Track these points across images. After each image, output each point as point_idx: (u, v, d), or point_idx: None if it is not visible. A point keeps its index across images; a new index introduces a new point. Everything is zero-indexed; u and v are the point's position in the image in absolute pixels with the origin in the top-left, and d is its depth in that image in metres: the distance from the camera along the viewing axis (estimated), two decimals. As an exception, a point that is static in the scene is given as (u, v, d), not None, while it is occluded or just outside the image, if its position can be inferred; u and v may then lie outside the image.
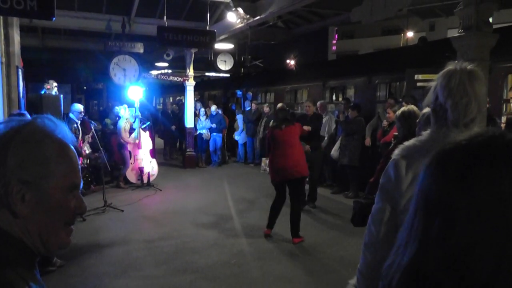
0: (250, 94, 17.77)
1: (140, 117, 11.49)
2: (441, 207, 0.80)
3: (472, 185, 0.77)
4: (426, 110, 4.86)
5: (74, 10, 15.21)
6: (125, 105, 11.60)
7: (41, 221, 1.08)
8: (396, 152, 2.10)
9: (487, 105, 6.39)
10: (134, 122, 11.30)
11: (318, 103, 11.27)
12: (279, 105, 8.11)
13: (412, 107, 4.79)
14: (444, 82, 1.93)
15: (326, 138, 11.14)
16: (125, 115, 11.26)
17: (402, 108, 4.84)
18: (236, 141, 16.22)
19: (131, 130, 11.30)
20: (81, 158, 9.00)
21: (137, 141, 11.23)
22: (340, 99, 13.35)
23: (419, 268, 0.81)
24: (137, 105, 11.53)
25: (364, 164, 9.96)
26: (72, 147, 1.16)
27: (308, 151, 8.33)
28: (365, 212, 3.72)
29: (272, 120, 8.07)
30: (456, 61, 2.00)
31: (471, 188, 0.77)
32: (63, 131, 1.15)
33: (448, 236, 0.78)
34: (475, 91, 1.89)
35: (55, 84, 9.83)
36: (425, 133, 2.07)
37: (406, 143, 2.10)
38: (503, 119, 8.05)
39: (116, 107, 11.93)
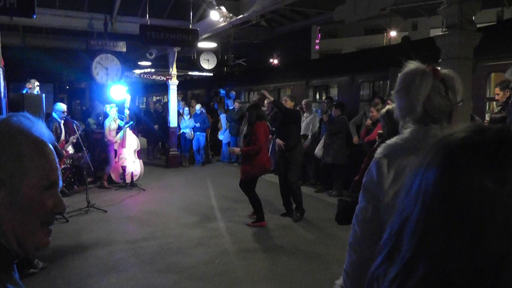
0: (233, 93, 17.75)
1: (128, 115, 11.44)
2: (469, 213, 0.73)
3: (507, 183, 0.72)
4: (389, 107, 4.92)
5: (56, 8, 15.04)
6: (113, 104, 11.54)
7: (16, 220, 1.05)
8: (379, 151, 2.12)
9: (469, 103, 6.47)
10: (122, 120, 11.26)
11: (303, 102, 11.32)
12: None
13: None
14: (398, 83, 2.05)
15: (309, 137, 11.19)
16: (112, 114, 11.20)
17: (387, 107, 4.87)
18: (220, 140, 16.20)
19: (118, 129, 11.25)
20: (63, 159, 8.92)
21: (120, 141, 11.18)
22: (324, 98, 13.41)
23: (441, 280, 0.74)
24: (127, 104, 11.49)
25: (348, 163, 10.02)
26: (49, 145, 1.13)
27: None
28: (349, 210, 3.74)
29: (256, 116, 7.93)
30: (410, 62, 2.07)
31: (506, 187, 0.72)
32: (40, 128, 1.12)
33: (479, 243, 0.72)
34: (418, 92, 1.96)
35: (37, 83, 9.73)
36: (407, 131, 2.09)
37: (388, 142, 2.12)
38: (487, 117, 8.13)
39: (107, 105, 11.84)
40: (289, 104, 8.81)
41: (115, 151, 11.24)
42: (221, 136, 15.89)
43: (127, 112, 11.45)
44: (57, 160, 1.15)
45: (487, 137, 0.77)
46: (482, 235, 0.71)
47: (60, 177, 1.15)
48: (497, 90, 6.66)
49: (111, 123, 11.09)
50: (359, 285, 2.12)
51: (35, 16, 7.87)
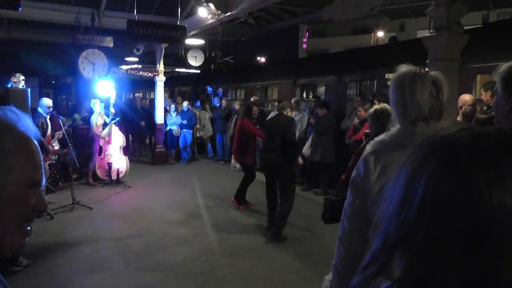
0: (220, 90, 17.72)
1: (113, 112, 11.37)
2: (491, 233, 0.66)
3: None
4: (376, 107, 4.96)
5: (42, 1, 14.92)
6: (98, 100, 11.45)
7: None
8: (367, 148, 2.21)
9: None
10: (108, 116, 11.20)
11: (292, 101, 11.32)
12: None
13: (385, 105, 4.84)
14: (394, 85, 2.13)
15: (297, 135, 11.20)
16: (98, 110, 11.12)
17: (375, 106, 4.90)
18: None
19: (104, 125, 11.17)
20: (49, 154, 8.84)
21: (107, 138, 11.11)
22: (311, 96, 13.44)
23: None
24: (112, 100, 11.41)
25: (335, 161, 10.05)
26: (35, 141, 1.10)
27: None
28: (335, 209, 3.77)
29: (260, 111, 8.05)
30: (405, 65, 2.13)
31: None
32: (26, 124, 1.09)
33: (501, 266, 0.66)
34: (414, 93, 2.03)
35: (22, 77, 9.63)
36: (394, 129, 2.17)
37: (376, 139, 2.21)
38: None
39: (92, 100, 11.75)
40: (289, 112, 8.58)
41: (100, 147, 11.15)
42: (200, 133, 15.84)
43: (112, 110, 11.36)
44: (41, 158, 1.12)
45: (492, 143, 0.72)
46: (504, 257, 0.66)
47: (44, 176, 1.12)
48: (482, 90, 6.74)
49: (98, 119, 11.02)
50: (348, 279, 2.15)
51: (20, 9, 7.77)
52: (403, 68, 2.10)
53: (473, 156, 0.71)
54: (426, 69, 2.11)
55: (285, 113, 7.61)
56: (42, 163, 1.12)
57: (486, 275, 0.67)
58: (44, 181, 1.12)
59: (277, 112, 7.95)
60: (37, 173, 1.08)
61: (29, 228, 1.10)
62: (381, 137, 2.18)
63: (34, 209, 1.08)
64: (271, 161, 7.42)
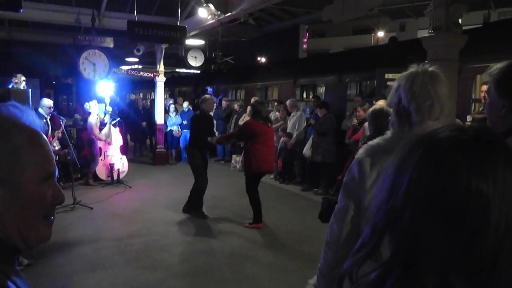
0: (211, 89, 17.67)
1: (111, 112, 11.38)
2: (467, 215, 0.74)
3: (501, 178, 0.75)
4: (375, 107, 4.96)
5: (43, 2, 14.93)
6: (95, 101, 11.46)
7: (18, 216, 1.03)
8: (360, 151, 2.13)
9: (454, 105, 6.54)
10: (104, 117, 11.20)
11: (287, 102, 11.33)
12: (257, 99, 8.28)
13: (383, 105, 4.87)
14: (408, 85, 1.97)
15: (294, 135, 11.24)
16: (95, 111, 11.14)
17: (374, 106, 4.93)
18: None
19: (102, 125, 11.19)
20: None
21: (107, 139, 11.13)
22: (311, 97, 13.46)
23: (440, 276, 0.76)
24: (107, 100, 11.40)
25: (335, 162, 10.07)
26: (43, 134, 1.10)
27: None
28: (333, 208, 3.78)
29: (254, 113, 7.89)
30: (417, 64, 2.04)
31: (499, 182, 0.75)
32: (31, 117, 1.09)
33: (476, 243, 0.74)
34: (438, 93, 1.94)
35: (23, 78, 9.66)
36: (389, 132, 2.11)
37: (370, 142, 2.13)
38: (469, 117, 8.23)
39: (86, 103, 11.77)
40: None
41: (100, 148, 11.17)
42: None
43: (109, 108, 11.36)
44: (51, 149, 1.12)
45: (471, 135, 0.80)
46: (479, 235, 0.74)
47: (56, 166, 1.13)
48: (482, 89, 6.76)
49: (96, 120, 11.03)
50: (333, 285, 2.14)
51: (21, 10, 7.79)
52: (411, 68, 2.02)
53: (453, 146, 0.79)
54: (435, 68, 2.02)
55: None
56: (53, 155, 1.12)
57: (463, 251, 0.75)
58: (57, 172, 1.13)
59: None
60: (50, 164, 1.09)
61: (52, 218, 1.12)
62: (376, 141, 2.10)
63: (53, 202, 1.09)
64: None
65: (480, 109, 7.13)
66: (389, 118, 2.59)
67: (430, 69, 1.99)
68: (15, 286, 1.03)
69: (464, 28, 6.90)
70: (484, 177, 0.75)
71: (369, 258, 0.87)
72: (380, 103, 5.63)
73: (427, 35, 6.74)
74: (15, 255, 1.09)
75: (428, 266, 0.77)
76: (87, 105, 11.68)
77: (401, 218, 0.81)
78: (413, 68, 2.01)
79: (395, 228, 0.82)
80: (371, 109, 4.93)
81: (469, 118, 8.07)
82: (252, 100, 10.32)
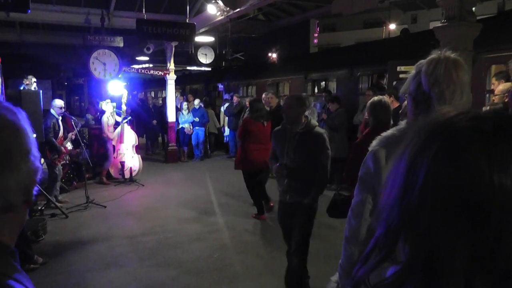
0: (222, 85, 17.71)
1: (124, 110, 11.42)
2: (492, 213, 0.68)
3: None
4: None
5: (52, 3, 15.02)
6: (108, 100, 11.50)
7: (18, 222, 1.07)
8: (374, 143, 2.09)
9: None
10: (119, 116, 11.25)
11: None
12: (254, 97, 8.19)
13: (382, 97, 4.83)
14: (430, 70, 1.89)
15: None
16: (109, 110, 11.18)
17: (373, 98, 4.89)
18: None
19: (116, 124, 11.24)
20: (62, 155, 8.89)
21: (116, 138, 11.18)
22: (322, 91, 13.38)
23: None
24: (124, 99, 11.46)
25: (347, 157, 9.99)
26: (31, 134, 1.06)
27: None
28: (344, 204, 3.72)
29: (250, 110, 7.81)
30: (439, 50, 1.96)
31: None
32: (23, 121, 1.04)
33: (503, 243, 0.68)
34: (460, 79, 1.87)
35: (34, 79, 9.72)
36: (403, 122, 2.06)
37: (384, 134, 2.09)
38: (484, 109, 8.11)
39: (101, 102, 11.82)
40: (274, 101, 8.34)
41: (113, 146, 11.23)
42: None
43: (124, 107, 11.43)
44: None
45: (491, 125, 0.73)
46: (505, 236, 0.68)
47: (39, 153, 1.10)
48: (493, 80, 6.61)
49: (109, 119, 11.07)
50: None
51: (29, 11, 7.82)
52: (433, 54, 1.93)
53: (472, 138, 0.72)
54: (457, 55, 1.94)
55: None
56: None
57: (489, 253, 0.68)
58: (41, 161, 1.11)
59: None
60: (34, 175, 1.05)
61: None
62: (390, 131, 2.06)
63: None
64: None
65: (494, 101, 7.01)
66: (389, 110, 2.51)
67: (452, 55, 1.92)
68: (19, 284, 1.00)
69: (478, 18, 6.78)
70: (508, 171, 0.68)
71: (384, 262, 0.81)
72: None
73: (440, 25, 6.64)
74: (13, 254, 1.06)
75: (450, 270, 0.70)
76: (101, 104, 11.73)
77: (419, 218, 0.74)
78: (434, 54, 1.94)
79: (412, 230, 0.75)
80: (369, 101, 4.90)
81: (484, 109, 7.96)
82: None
